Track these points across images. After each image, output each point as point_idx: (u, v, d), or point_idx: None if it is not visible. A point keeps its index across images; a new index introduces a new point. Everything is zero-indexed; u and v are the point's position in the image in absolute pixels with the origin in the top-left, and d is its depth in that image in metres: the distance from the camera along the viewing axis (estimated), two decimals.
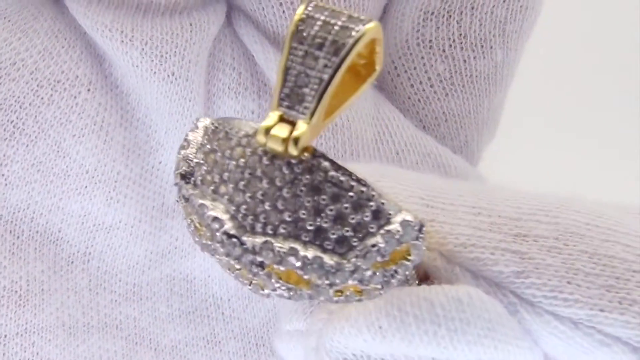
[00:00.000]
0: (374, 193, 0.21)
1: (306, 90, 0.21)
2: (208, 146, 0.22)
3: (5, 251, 0.32)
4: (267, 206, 0.21)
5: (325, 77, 0.20)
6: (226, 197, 0.22)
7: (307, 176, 0.21)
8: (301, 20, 0.21)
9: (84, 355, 0.34)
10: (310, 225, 0.21)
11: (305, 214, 0.21)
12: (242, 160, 0.21)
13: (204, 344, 0.36)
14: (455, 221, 0.24)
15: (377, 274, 0.21)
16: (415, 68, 0.33)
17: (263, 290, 0.22)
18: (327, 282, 0.21)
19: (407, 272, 0.22)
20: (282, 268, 0.21)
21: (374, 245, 0.21)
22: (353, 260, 0.21)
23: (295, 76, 0.21)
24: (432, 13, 0.32)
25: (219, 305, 0.36)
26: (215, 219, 0.21)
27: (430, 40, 0.32)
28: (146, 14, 0.30)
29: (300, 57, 0.21)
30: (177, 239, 0.35)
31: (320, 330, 0.25)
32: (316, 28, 0.21)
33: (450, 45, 0.32)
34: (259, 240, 0.21)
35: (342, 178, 0.21)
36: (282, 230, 0.21)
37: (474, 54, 0.33)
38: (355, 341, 0.24)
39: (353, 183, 0.21)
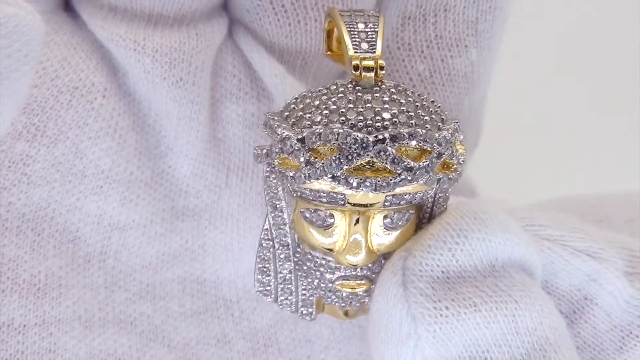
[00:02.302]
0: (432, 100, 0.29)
1: (366, 40, 0.29)
2: (295, 107, 0.29)
3: (26, 246, 0.34)
4: (377, 110, 0.28)
5: (376, 29, 0.29)
6: (339, 119, 0.28)
7: (392, 89, 0.28)
8: (341, 12, 0.30)
9: (99, 348, 0.35)
10: (410, 113, 0.28)
11: (405, 107, 0.28)
12: (340, 95, 0.28)
13: (215, 343, 0.37)
14: None
15: (458, 151, 0.28)
16: (397, 70, 0.35)
17: (390, 179, 0.27)
18: (437, 150, 0.27)
19: (463, 161, 0.29)
20: (411, 144, 0.27)
21: (448, 130, 0.28)
22: (445, 132, 0.28)
23: (356, 36, 0.29)
24: (409, 17, 0.35)
25: (228, 307, 0.38)
26: (342, 131, 0.27)
27: (409, 43, 0.35)
28: (156, 26, 0.33)
29: (353, 27, 0.29)
30: (187, 241, 0.37)
31: (402, 267, 0.28)
32: (355, 12, 0.30)
33: (428, 46, 0.35)
34: (386, 133, 0.27)
35: (409, 90, 0.29)
36: (397, 121, 0.28)
37: (451, 53, 0.35)
38: (440, 255, 0.28)
39: (418, 92, 0.29)
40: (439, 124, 0.28)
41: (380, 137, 0.27)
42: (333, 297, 0.32)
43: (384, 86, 0.29)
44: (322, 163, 0.27)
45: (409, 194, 0.28)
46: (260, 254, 0.32)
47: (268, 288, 0.33)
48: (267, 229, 0.32)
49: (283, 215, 0.31)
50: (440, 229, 0.28)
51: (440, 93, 0.35)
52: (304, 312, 0.33)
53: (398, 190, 0.28)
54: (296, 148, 0.28)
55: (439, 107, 0.29)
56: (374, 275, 0.30)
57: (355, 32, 0.29)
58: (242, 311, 0.38)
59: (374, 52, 0.29)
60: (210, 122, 0.35)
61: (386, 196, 0.28)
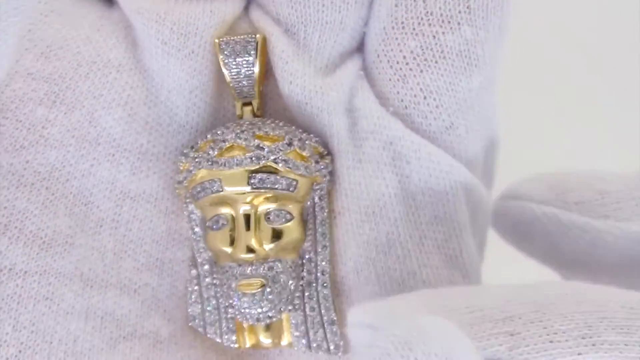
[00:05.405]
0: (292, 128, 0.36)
1: (246, 86, 0.37)
2: (199, 141, 0.37)
3: (38, 202, 0.35)
4: (249, 127, 0.36)
5: (252, 76, 0.37)
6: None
7: (268, 121, 0.36)
8: (220, 44, 0.36)
9: (97, 305, 0.36)
10: (259, 129, 0.36)
11: (273, 126, 0.36)
12: (228, 126, 0.36)
13: None
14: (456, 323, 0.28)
15: (313, 149, 0.36)
16: (392, 50, 0.35)
17: (246, 154, 0.35)
18: (287, 138, 0.35)
19: (324, 168, 0.36)
20: (259, 132, 0.35)
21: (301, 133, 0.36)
22: (297, 132, 0.36)
23: (236, 80, 0.37)
24: None
25: None
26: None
27: (402, 22, 0.35)
28: (177, 2, 0.36)
29: (232, 68, 0.36)
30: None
31: None
32: (233, 44, 0.36)
33: (419, 23, 0.34)
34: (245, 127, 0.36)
35: (282, 122, 0.36)
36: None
37: (442, 30, 0.34)
38: None
39: (280, 123, 0.36)
40: (297, 132, 0.36)
41: (240, 130, 0.35)
42: (239, 304, 0.35)
43: (258, 119, 0.36)
44: (201, 153, 0.35)
45: (272, 176, 0.34)
46: (188, 283, 0.37)
47: (197, 320, 0.37)
48: (190, 257, 0.37)
49: (200, 244, 0.37)
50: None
51: (433, 70, 0.35)
52: (228, 338, 0.36)
53: (255, 167, 0.34)
54: (186, 151, 0.36)
55: (308, 134, 0.36)
56: (269, 276, 0.35)
57: (236, 77, 0.36)
58: None
59: (253, 96, 0.36)
60: (218, 96, 0.37)
61: (250, 179, 0.34)
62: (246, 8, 0.38)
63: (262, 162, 0.34)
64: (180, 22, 0.36)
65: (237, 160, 0.34)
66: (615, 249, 0.34)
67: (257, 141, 0.35)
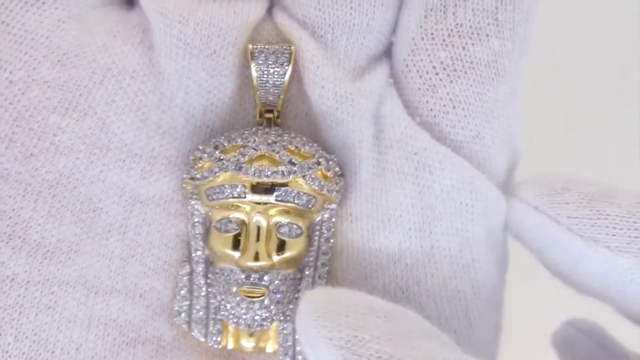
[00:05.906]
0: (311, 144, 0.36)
1: (271, 94, 0.36)
2: (220, 139, 0.36)
3: (43, 211, 0.34)
4: (273, 134, 0.36)
5: (280, 85, 0.36)
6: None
7: (288, 131, 0.36)
8: (253, 52, 0.36)
9: (101, 312, 0.34)
10: (290, 143, 0.35)
11: (296, 137, 0.36)
12: (250, 131, 0.36)
13: None
14: None
15: (335, 170, 0.36)
16: (421, 60, 0.35)
17: (277, 167, 0.35)
18: (316, 157, 0.35)
19: (337, 186, 0.36)
20: (291, 147, 0.35)
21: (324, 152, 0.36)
22: (322, 151, 0.36)
23: (264, 87, 0.36)
24: (432, 9, 0.34)
25: None
26: (245, 133, 0.36)
27: (432, 33, 0.34)
28: (200, 2, 0.35)
29: (263, 75, 0.36)
30: None
31: None
32: (267, 54, 0.36)
33: (449, 35, 0.34)
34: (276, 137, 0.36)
35: (302, 136, 0.36)
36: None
37: (471, 41, 0.34)
38: None
39: (305, 138, 0.36)
40: (321, 151, 0.36)
41: (271, 140, 0.35)
42: (236, 308, 0.35)
43: (284, 131, 0.36)
44: (230, 157, 0.35)
45: (296, 191, 0.35)
46: (179, 278, 0.36)
47: (183, 315, 0.36)
48: (186, 253, 0.36)
49: (198, 241, 0.36)
50: None
51: (462, 80, 0.34)
52: (214, 339, 0.36)
53: (284, 180, 0.34)
54: (209, 150, 0.35)
55: (330, 154, 0.36)
56: (271, 287, 0.35)
57: (265, 86, 0.36)
58: None
59: (276, 105, 0.36)
60: (239, 98, 0.37)
61: (276, 191, 0.34)
62: (269, 10, 0.37)
63: (291, 177, 0.34)
64: (204, 22, 0.35)
65: (268, 171, 0.34)
66: (597, 275, 0.33)
67: (289, 155, 0.35)
